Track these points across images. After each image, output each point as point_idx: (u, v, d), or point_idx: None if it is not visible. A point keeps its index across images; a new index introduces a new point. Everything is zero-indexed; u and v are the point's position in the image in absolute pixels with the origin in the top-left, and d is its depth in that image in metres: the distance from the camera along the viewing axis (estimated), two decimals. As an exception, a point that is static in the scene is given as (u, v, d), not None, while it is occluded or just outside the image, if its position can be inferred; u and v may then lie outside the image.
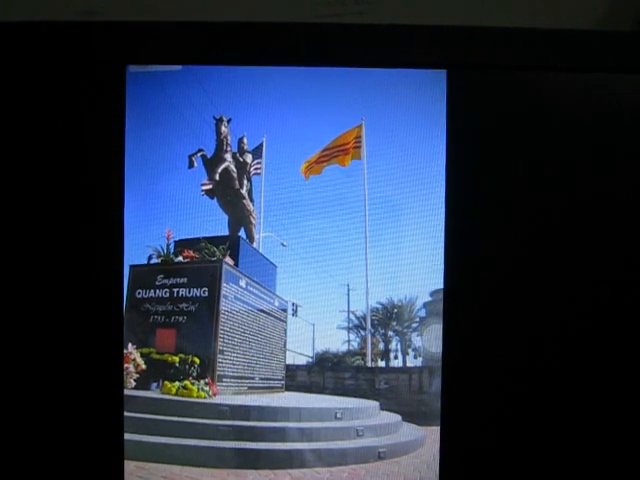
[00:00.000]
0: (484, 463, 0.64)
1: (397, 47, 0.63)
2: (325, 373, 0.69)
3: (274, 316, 0.73)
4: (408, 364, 0.69)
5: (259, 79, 0.65)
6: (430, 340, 0.65)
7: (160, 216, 0.66)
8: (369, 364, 0.70)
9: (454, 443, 0.64)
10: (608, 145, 0.64)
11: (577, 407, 0.64)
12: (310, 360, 0.69)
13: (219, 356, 0.71)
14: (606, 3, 0.79)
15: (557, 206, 0.64)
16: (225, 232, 0.73)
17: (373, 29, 0.63)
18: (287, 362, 0.72)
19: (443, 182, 0.64)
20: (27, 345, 0.62)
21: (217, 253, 0.71)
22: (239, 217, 0.74)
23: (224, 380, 0.71)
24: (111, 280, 0.62)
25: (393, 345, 0.70)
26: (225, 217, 0.73)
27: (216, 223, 0.70)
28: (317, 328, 0.68)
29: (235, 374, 0.73)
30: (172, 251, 0.69)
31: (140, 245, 0.66)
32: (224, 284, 0.72)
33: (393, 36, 0.63)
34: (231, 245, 0.72)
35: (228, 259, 0.72)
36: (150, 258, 0.68)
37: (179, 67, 0.64)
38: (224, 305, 0.71)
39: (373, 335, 0.71)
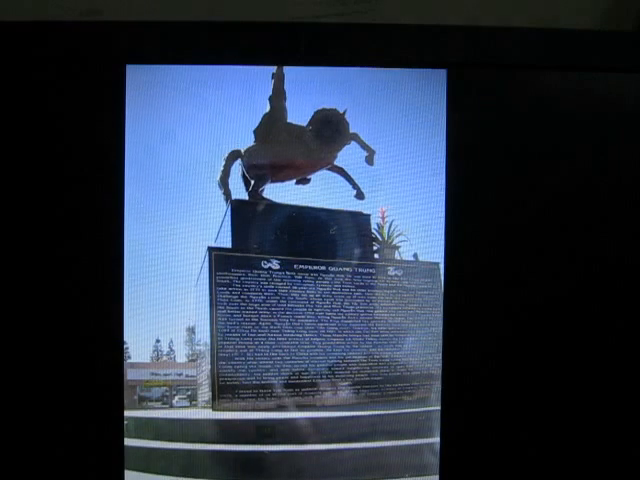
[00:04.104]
0: (484, 463, 0.64)
1: (397, 47, 0.63)
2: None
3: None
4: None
5: (259, 79, 0.65)
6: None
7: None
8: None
9: (454, 443, 0.64)
10: (608, 145, 0.64)
11: (579, 403, 0.64)
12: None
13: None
14: (606, 3, 0.79)
15: (558, 206, 0.64)
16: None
17: (373, 29, 0.63)
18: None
19: (443, 182, 0.64)
20: (27, 346, 0.62)
21: None
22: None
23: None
24: (111, 280, 0.62)
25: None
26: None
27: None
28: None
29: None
30: None
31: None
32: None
33: (393, 36, 0.63)
34: None
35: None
36: None
37: (179, 67, 0.64)
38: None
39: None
